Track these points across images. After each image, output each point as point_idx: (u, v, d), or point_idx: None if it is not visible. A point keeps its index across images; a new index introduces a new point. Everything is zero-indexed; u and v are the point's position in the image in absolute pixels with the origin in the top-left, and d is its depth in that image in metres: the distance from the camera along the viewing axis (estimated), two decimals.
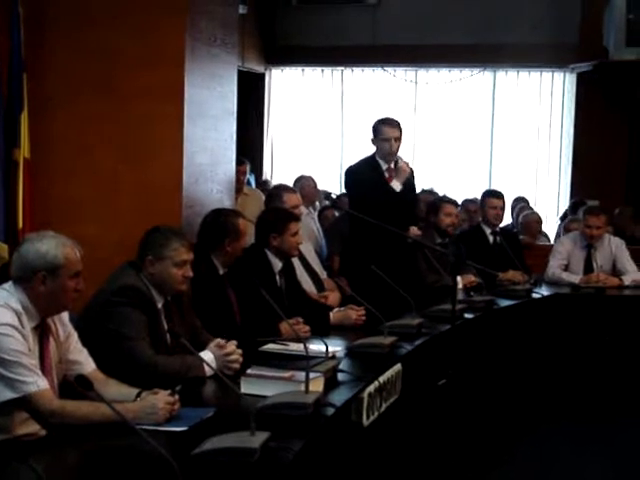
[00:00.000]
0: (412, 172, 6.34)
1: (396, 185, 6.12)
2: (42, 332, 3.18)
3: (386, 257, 5.67)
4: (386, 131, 6.11)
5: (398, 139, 6.13)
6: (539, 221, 8.72)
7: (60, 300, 3.19)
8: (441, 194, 7.91)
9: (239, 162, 7.24)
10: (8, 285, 3.17)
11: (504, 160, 10.64)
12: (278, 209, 5.32)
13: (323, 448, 3.15)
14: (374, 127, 6.19)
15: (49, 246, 3.15)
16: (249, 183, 8.68)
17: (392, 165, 6.17)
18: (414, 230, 6.02)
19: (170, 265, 3.79)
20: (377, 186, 6.09)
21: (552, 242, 8.46)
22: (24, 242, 3.24)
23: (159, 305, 3.82)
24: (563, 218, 9.31)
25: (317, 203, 8.60)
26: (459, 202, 7.50)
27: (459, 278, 6.03)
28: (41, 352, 3.16)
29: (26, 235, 4.13)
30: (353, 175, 6.28)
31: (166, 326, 3.82)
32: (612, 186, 9.51)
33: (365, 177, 6.14)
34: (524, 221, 8.62)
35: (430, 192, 8.08)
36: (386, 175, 6.16)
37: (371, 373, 3.82)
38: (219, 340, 3.79)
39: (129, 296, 3.69)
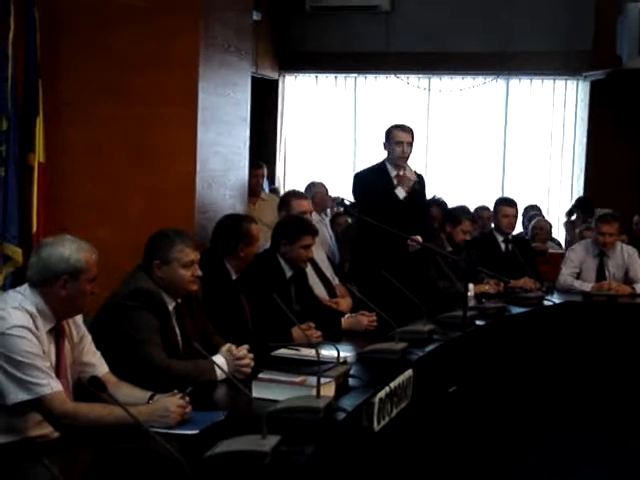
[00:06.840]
0: (422, 181, 6.33)
1: (400, 192, 6.11)
2: (57, 335, 3.20)
3: (396, 263, 5.68)
4: (399, 135, 6.13)
5: (410, 144, 6.16)
6: (543, 228, 8.69)
7: (77, 303, 3.21)
8: (454, 202, 7.85)
9: (256, 165, 7.20)
10: (23, 288, 3.19)
11: (517, 168, 10.61)
12: (300, 218, 5.29)
13: (334, 453, 3.16)
14: (387, 132, 6.22)
15: (71, 250, 3.17)
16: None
17: (401, 172, 6.18)
18: (417, 239, 5.97)
19: (178, 267, 3.81)
20: (383, 192, 6.09)
21: (564, 249, 8.43)
22: (43, 246, 3.24)
23: (170, 308, 3.84)
24: (569, 214, 9.37)
25: (329, 210, 8.56)
26: (472, 209, 7.46)
27: (471, 286, 6.03)
28: (57, 354, 3.18)
29: (41, 239, 4.15)
30: (360, 180, 6.29)
31: (178, 329, 3.84)
32: (625, 194, 9.47)
33: (372, 183, 6.15)
34: (533, 227, 8.63)
35: (439, 203, 7.77)
36: (394, 182, 6.16)
37: (382, 379, 3.83)
38: (231, 345, 3.81)
39: (142, 300, 3.71)
